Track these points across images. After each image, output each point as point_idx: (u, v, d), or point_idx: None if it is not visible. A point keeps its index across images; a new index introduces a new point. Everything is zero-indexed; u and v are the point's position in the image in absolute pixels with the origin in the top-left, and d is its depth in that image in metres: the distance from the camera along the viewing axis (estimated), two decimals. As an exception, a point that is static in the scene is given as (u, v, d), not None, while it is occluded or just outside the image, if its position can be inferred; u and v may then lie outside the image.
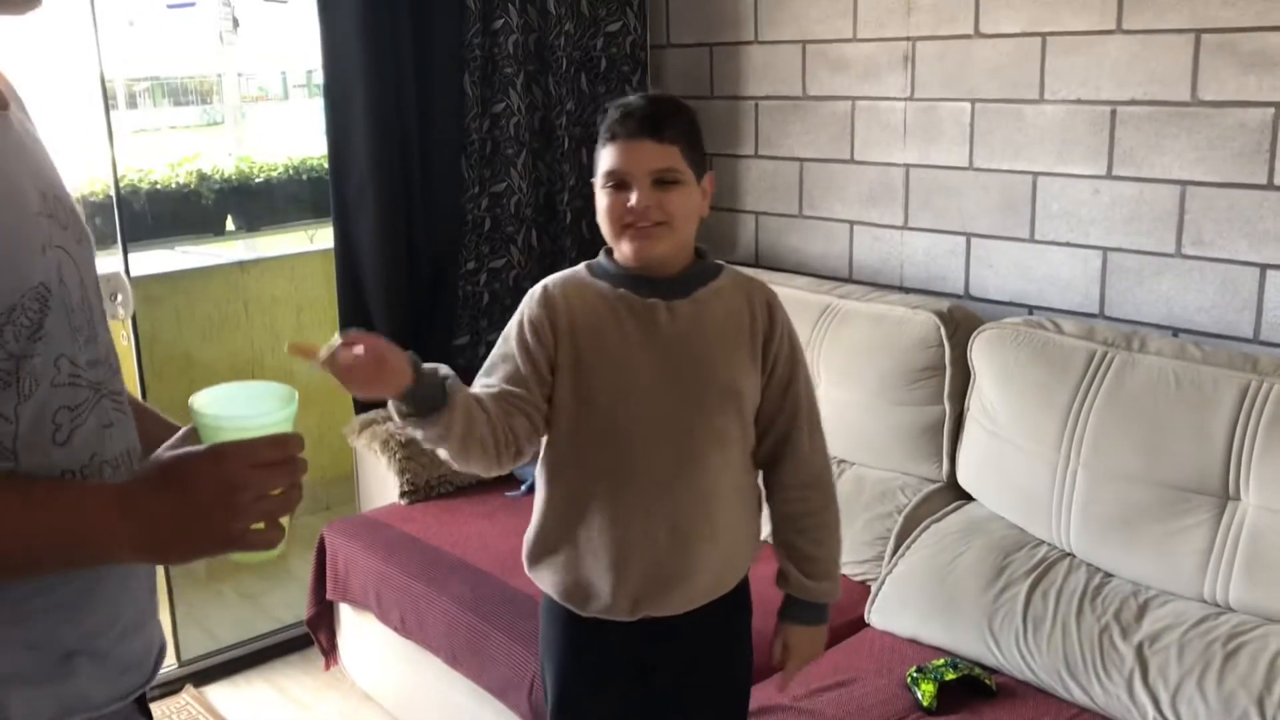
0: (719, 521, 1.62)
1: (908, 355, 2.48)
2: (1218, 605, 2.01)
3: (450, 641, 2.41)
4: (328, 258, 3.12)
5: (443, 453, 1.50)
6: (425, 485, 2.92)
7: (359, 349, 1.29)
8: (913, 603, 2.26)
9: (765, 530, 1.73)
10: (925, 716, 1.98)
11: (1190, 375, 2.08)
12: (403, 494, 2.91)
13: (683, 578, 1.61)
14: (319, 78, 3.01)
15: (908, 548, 2.36)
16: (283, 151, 5.12)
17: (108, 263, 2.86)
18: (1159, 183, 2.38)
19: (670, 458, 1.58)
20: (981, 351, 2.36)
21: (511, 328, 1.63)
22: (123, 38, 5.13)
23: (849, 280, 2.94)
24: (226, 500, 0.96)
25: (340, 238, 3.04)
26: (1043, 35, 2.49)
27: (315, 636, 2.93)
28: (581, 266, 1.67)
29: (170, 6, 5.52)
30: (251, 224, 5.03)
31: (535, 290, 1.64)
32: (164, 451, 1.03)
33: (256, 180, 5.05)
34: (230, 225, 4.97)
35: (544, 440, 1.64)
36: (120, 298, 2.84)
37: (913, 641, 2.22)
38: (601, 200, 1.58)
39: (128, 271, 2.88)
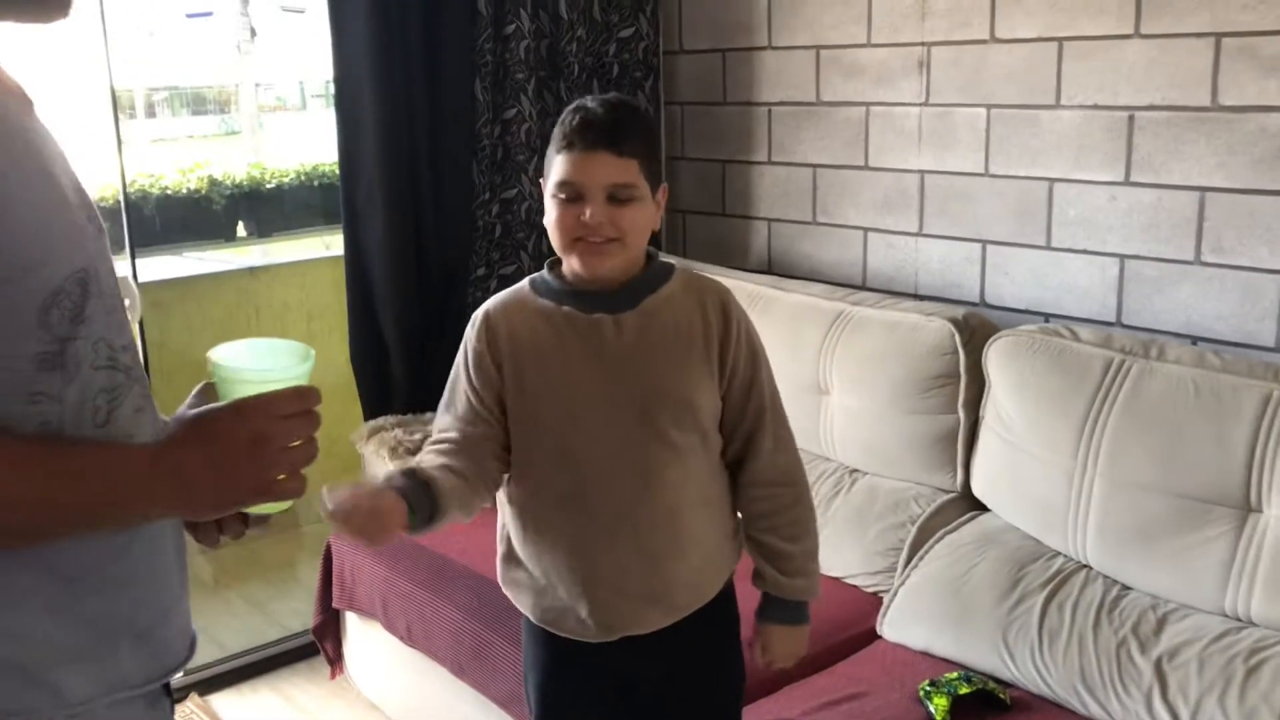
0: (687, 538, 1.58)
1: (921, 363, 2.44)
2: (1239, 619, 1.97)
3: (456, 651, 2.38)
4: (339, 264, 3.10)
5: None
6: (433, 493, 2.89)
7: (344, 495, 1.38)
8: (926, 615, 2.22)
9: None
10: (938, 731, 1.94)
11: (1210, 384, 2.04)
12: (410, 501, 2.88)
13: (657, 598, 1.58)
14: (337, 88, 3.00)
15: (921, 559, 2.33)
16: (295, 158, 5.12)
17: (115, 268, 2.84)
18: (1178, 189, 2.34)
19: (628, 481, 1.54)
20: (997, 359, 2.33)
21: (459, 359, 1.61)
22: (142, 47, 5.15)
23: (863, 288, 2.91)
24: (257, 451, 1.00)
25: (350, 244, 3.02)
26: (1059, 40, 2.46)
27: (321, 645, 2.90)
28: (525, 283, 1.62)
29: (189, 16, 5.54)
30: (263, 230, 5.03)
31: (476, 317, 1.60)
32: (185, 410, 1.06)
33: (268, 186, 5.05)
34: (241, 231, 4.97)
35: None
36: (129, 302, 2.83)
37: (925, 654, 2.18)
38: (552, 211, 1.52)
39: (135, 276, 2.88)
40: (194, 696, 2.98)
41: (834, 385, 2.57)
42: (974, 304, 2.71)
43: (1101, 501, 2.12)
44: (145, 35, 5.16)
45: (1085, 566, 2.17)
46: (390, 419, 3.01)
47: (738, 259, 3.23)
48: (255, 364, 1.08)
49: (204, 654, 3.11)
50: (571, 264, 1.54)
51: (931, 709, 1.97)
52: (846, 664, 2.14)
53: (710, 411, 1.58)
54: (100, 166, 3.00)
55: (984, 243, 2.69)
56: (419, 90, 2.96)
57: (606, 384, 1.53)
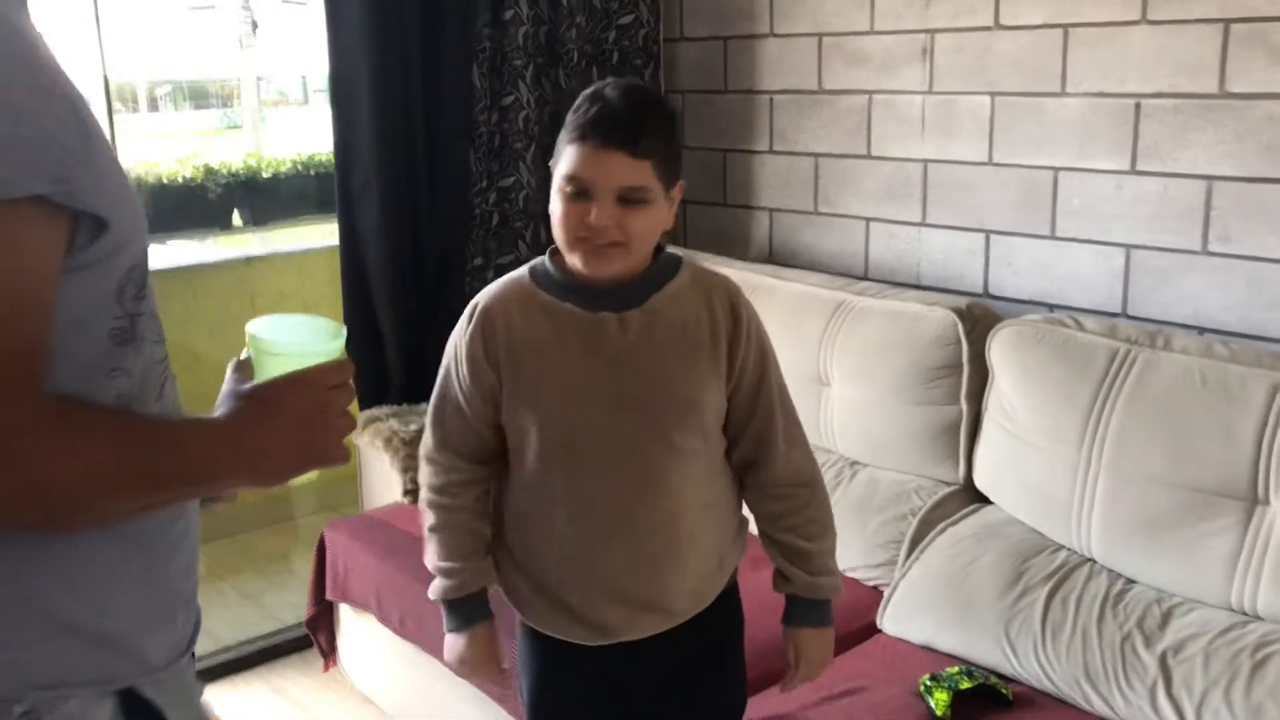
0: (687, 543, 1.53)
1: (924, 353, 2.41)
2: (1245, 613, 1.94)
3: (450, 643, 2.35)
4: (335, 253, 3.07)
5: None
6: (429, 484, 2.87)
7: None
8: (927, 608, 2.19)
9: (755, 528, 1.66)
10: (939, 726, 1.91)
11: (1217, 374, 2.00)
12: (406, 493, 2.85)
13: (654, 604, 1.54)
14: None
15: (922, 552, 2.29)
16: (293, 148, 5.09)
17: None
18: (1184, 178, 2.31)
19: (628, 484, 1.49)
20: (1000, 349, 2.30)
21: (449, 358, 1.55)
22: (143, 40, 5.12)
23: (865, 279, 2.87)
24: (319, 420, 1.06)
25: (345, 231, 2.99)
26: (1065, 26, 2.43)
27: (314, 637, 2.88)
28: (525, 273, 1.54)
29: (191, 7, 5.50)
30: (259, 219, 5.00)
31: (471, 312, 1.53)
32: (234, 386, 1.10)
33: (264, 175, 5.02)
34: (237, 220, 4.94)
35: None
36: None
37: (926, 648, 2.15)
38: (557, 205, 1.44)
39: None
40: (186, 689, 2.96)
41: (835, 376, 2.54)
42: (977, 295, 2.68)
43: (1106, 494, 2.09)
44: (145, 28, 5.13)
45: (1089, 560, 2.14)
46: (385, 409, 2.98)
47: (739, 249, 3.20)
48: (291, 338, 1.12)
49: (198, 646, 3.07)
50: (573, 262, 1.47)
51: (932, 704, 1.94)
52: (845, 658, 2.11)
53: (715, 413, 1.53)
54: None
55: (987, 233, 2.66)
56: (415, 76, 2.92)
57: (609, 384, 1.48)
